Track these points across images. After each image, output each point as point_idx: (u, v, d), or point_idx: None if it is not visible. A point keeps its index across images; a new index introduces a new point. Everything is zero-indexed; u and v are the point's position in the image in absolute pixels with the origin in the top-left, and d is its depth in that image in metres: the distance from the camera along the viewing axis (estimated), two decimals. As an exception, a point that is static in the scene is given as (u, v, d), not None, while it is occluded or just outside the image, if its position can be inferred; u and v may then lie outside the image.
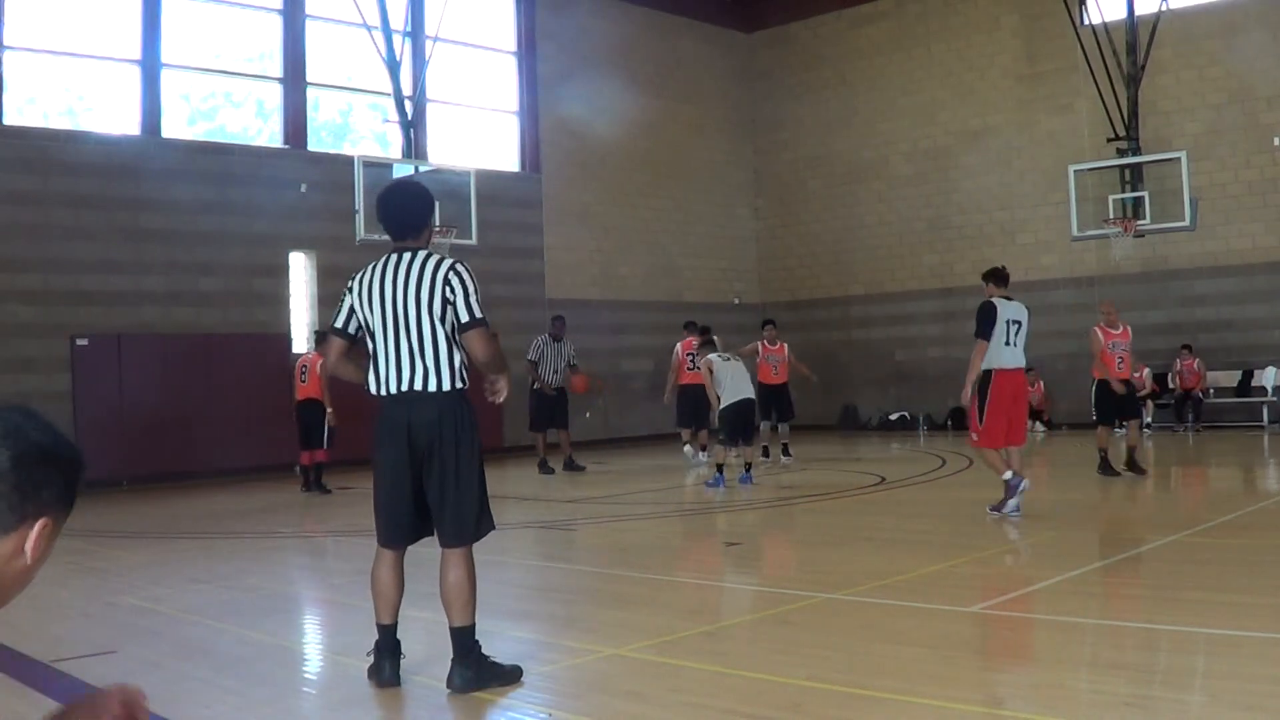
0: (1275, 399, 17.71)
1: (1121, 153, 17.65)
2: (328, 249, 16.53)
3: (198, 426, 15.13)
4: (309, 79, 17.22)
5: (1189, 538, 7.94)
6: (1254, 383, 17.97)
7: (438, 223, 14.00)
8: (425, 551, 4.69)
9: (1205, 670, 4.56)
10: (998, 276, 9.37)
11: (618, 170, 21.20)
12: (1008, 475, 8.85)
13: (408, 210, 4.70)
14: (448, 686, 4.46)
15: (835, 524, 9.87)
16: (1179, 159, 16.25)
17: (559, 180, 20.21)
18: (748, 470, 12.51)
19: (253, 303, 16.17)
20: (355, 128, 18.56)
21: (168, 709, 4.35)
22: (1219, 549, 7.51)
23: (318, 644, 5.94)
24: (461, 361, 4.53)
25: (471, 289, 4.48)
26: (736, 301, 22.76)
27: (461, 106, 19.39)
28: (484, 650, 4.54)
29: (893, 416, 21.47)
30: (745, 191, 23.70)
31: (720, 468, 12.37)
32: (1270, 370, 17.69)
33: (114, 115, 15.53)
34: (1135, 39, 17.75)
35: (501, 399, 4.65)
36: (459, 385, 4.52)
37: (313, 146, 17.26)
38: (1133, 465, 11.39)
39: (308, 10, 17.13)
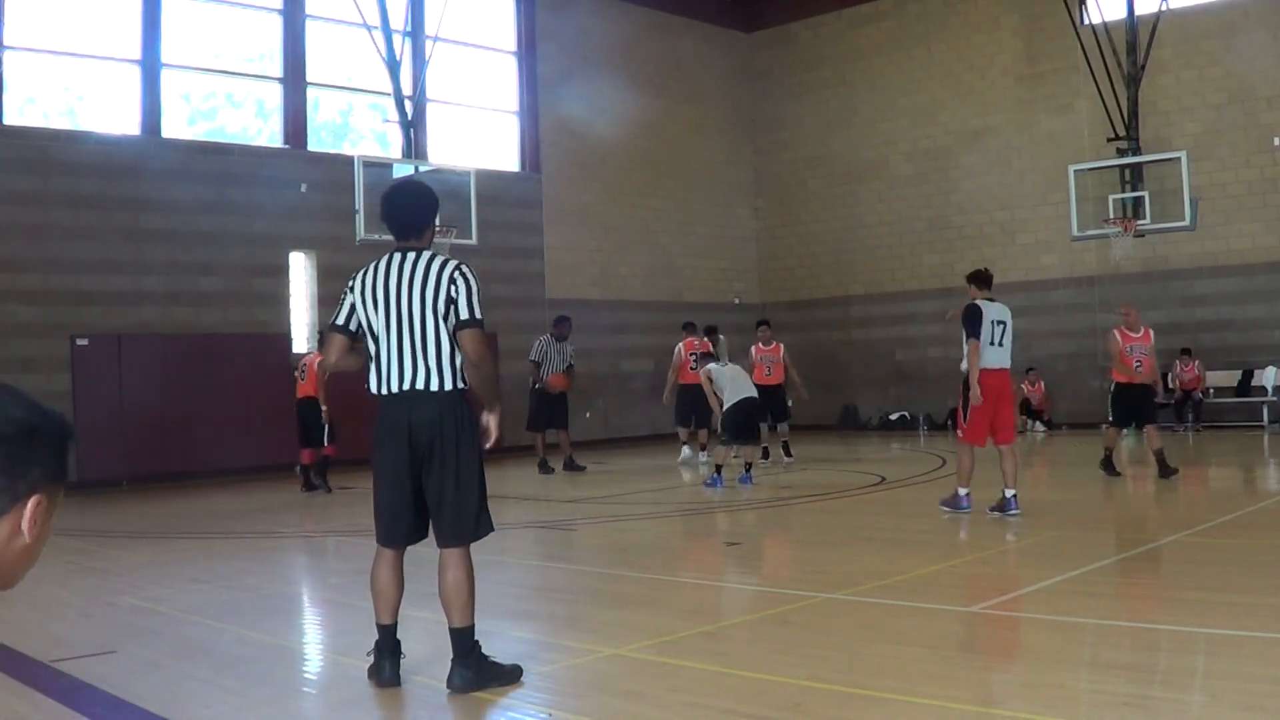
0: (1275, 399, 17.71)
1: (1121, 153, 17.65)
2: (328, 249, 16.53)
3: (198, 426, 15.13)
4: (309, 79, 17.22)
5: (1189, 538, 7.95)
6: (1254, 383, 17.97)
7: (438, 223, 13.99)
8: (425, 551, 4.69)
9: (1205, 670, 4.56)
10: (980, 279, 9.47)
11: (618, 170, 21.20)
12: (963, 491, 9.22)
13: (410, 210, 4.70)
14: (448, 687, 4.46)
15: (835, 524, 9.87)
16: (1179, 159, 16.24)
17: (559, 180, 20.21)
18: (747, 470, 12.52)
19: (253, 303, 16.17)
20: (355, 128, 18.56)
21: (168, 709, 4.36)
22: (1219, 549, 7.51)
23: (318, 644, 5.94)
24: (462, 362, 4.54)
25: (475, 290, 4.50)
26: (736, 301, 22.76)
27: (461, 106, 19.39)
28: (484, 650, 4.54)
29: (893, 416, 21.47)
30: (745, 191, 23.70)
31: (719, 468, 12.38)
32: (1270, 370, 17.69)
33: (114, 115, 15.53)
34: (1135, 39, 17.75)
35: (490, 444, 4.60)
36: (460, 385, 4.52)
37: (313, 146, 17.26)
38: (1163, 469, 11.04)
39: (308, 10, 17.12)
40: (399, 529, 4.60)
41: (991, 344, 9.10)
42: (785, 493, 12.04)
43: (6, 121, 14.38)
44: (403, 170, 15.53)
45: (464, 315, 4.47)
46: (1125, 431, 12.15)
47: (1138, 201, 16.84)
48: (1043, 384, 19.34)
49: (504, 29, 20.10)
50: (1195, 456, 14.79)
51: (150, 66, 15.56)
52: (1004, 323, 9.21)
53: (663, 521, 10.55)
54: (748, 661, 4.87)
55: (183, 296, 15.48)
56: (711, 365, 12.93)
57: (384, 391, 4.53)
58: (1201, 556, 7.34)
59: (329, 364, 4.85)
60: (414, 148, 17.11)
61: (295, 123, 16.99)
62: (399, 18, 17.21)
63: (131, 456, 14.53)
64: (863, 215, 22.26)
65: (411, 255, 4.56)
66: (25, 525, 1.49)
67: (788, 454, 14.99)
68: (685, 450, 15.50)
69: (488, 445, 4.61)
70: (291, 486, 13.47)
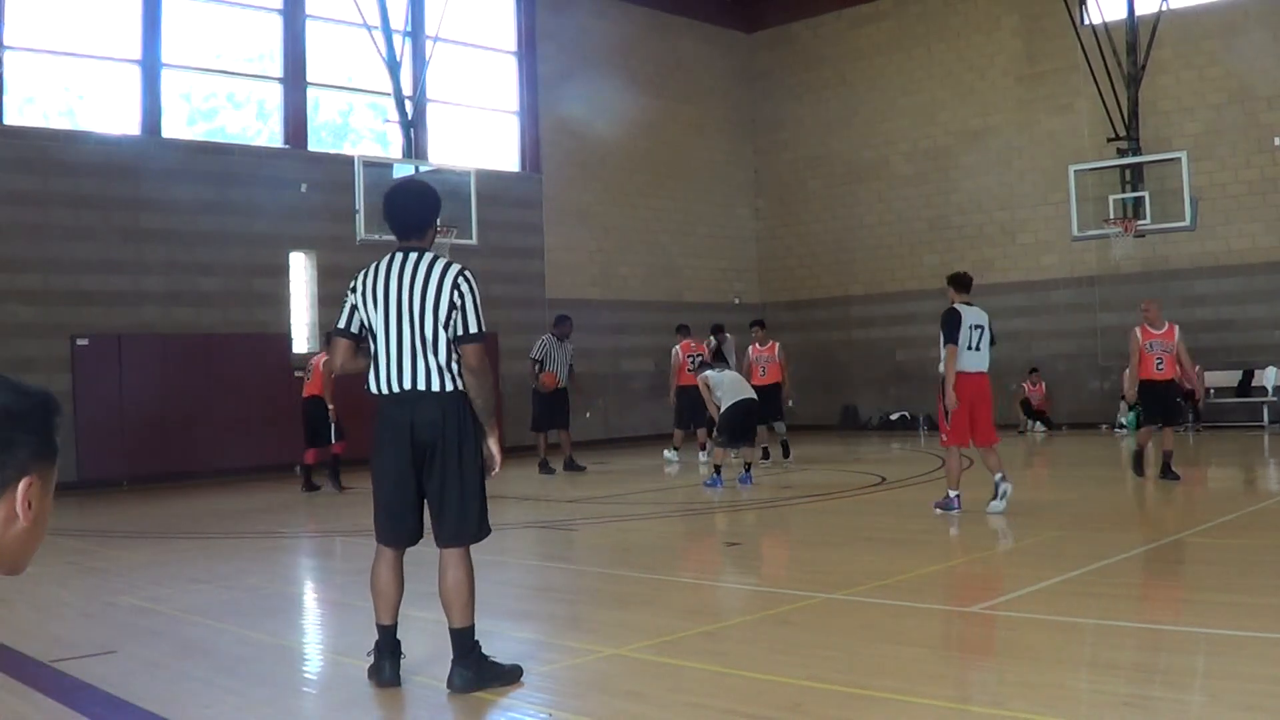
0: (1275, 399, 17.71)
1: (1121, 153, 17.65)
2: (328, 249, 16.53)
3: (198, 426, 15.13)
4: (309, 79, 17.22)
5: (1189, 538, 7.95)
6: (1254, 383, 17.96)
7: (439, 223, 14.00)
8: (425, 551, 4.68)
9: (1205, 670, 4.55)
10: (960, 282, 9.49)
11: (618, 170, 21.20)
12: (954, 493, 9.27)
13: (412, 210, 4.69)
14: (448, 687, 4.46)
15: (835, 524, 9.87)
16: (1179, 159, 16.25)
17: (559, 180, 20.21)
18: (747, 470, 12.52)
19: (253, 303, 16.17)
20: (355, 128, 18.56)
21: (168, 709, 4.35)
22: (1219, 549, 7.51)
23: (318, 644, 5.93)
24: (460, 365, 4.53)
25: (478, 300, 4.50)
26: (736, 301, 22.75)
27: (461, 106, 19.39)
28: (484, 650, 4.53)
29: (893, 416, 21.47)
30: (745, 191, 23.70)
31: (718, 468, 12.39)
32: (1270, 370, 17.69)
33: (114, 115, 15.53)
34: (1135, 39, 17.75)
35: (495, 472, 4.62)
36: (460, 386, 4.52)
37: (313, 146, 17.26)
38: (1166, 471, 10.94)
39: (308, 10, 17.13)
40: (400, 529, 4.59)
41: (969, 348, 9.16)
42: (785, 493, 12.04)
43: (6, 121, 14.38)
44: (403, 170, 15.53)
45: (471, 329, 4.46)
46: (1155, 429, 11.87)
47: (1138, 201, 16.84)
48: (1044, 384, 19.34)
49: (504, 29, 20.10)
50: (1195, 456, 14.79)
51: (150, 66, 15.56)
52: (981, 326, 9.27)
53: (663, 521, 10.55)
54: (748, 661, 4.87)
55: (183, 296, 15.48)
56: (709, 372, 12.95)
57: (384, 391, 4.52)
58: (1202, 556, 7.34)
59: (335, 368, 4.85)
60: (414, 148, 17.11)
61: (295, 123, 16.99)
62: (399, 18, 17.21)
63: (131, 456, 14.53)
64: (863, 215, 22.26)
65: (414, 256, 4.55)
66: (19, 508, 1.47)
67: (786, 454, 15.00)
68: (667, 453, 15.88)
69: (494, 472, 4.60)
70: (292, 486, 13.46)
